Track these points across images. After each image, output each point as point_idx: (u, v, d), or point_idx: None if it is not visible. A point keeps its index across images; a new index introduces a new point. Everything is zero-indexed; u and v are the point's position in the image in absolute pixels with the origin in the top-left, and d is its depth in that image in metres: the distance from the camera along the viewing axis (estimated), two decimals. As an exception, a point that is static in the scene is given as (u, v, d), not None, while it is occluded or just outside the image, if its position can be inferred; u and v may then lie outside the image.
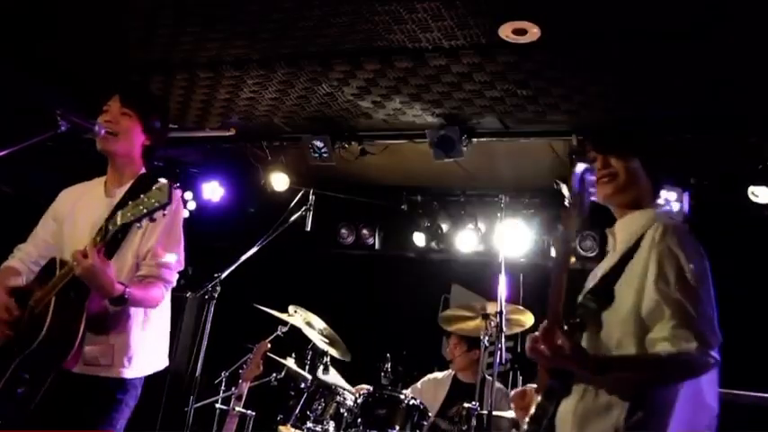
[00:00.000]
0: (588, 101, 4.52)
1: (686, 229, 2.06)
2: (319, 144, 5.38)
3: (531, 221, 6.11)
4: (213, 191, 6.56)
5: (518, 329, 4.45)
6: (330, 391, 4.40)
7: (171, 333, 2.94)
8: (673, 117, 4.58)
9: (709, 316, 1.93)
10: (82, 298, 2.53)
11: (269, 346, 4.48)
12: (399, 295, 6.54)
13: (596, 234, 5.79)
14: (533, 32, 3.81)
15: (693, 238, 2.04)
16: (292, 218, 4.44)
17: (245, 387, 4.37)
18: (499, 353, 3.96)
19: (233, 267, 4.00)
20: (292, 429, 4.30)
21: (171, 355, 2.92)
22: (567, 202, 2.02)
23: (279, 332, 4.70)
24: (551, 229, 6.06)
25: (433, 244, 6.58)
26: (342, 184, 6.33)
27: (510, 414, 4.05)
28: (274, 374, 4.79)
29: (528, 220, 6.10)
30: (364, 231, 6.77)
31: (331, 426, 4.25)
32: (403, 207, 6.59)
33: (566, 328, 1.92)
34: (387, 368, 4.47)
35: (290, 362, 4.70)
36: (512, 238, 5.79)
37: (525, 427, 1.97)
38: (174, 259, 2.76)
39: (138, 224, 2.38)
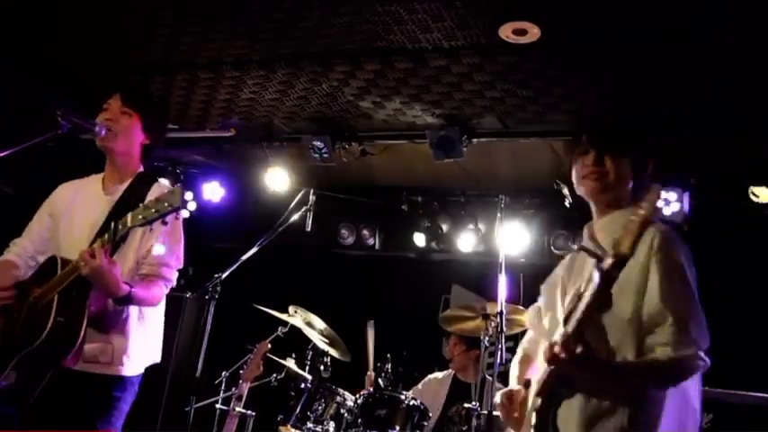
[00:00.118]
0: (588, 101, 4.51)
1: (677, 234, 2.12)
2: (319, 144, 5.38)
3: (531, 221, 6.11)
4: (213, 191, 6.56)
5: (518, 329, 4.44)
6: (330, 391, 4.40)
7: (171, 333, 2.96)
8: (673, 117, 4.58)
9: (703, 321, 2.01)
10: (83, 297, 2.53)
11: (269, 346, 4.48)
12: (399, 295, 6.54)
13: (568, 233, 5.87)
14: (533, 33, 3.81)
15: (685, 244, 2.10)
16: (292, 218, 4.44)
17: (245, 387, 4.37)
18: (499, 353, 3.96)
19: (233, 267, 4.00)
20: (292, 430, 4.30)
21: (171, 355, 2.93)
22: (567, 203, 2.03)
23: (279, 332, 4.70)
24: (551, 229, 6.07)
25: (434, 244, 6.58)
26: (342, 185, 6.33)
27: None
28: (275, 375, 4.79)
29: (528, 220, 6.10)
30: (364, 231, 6.77)
31: (331, 426, 4.26)
32: (403, 207, 6.59)
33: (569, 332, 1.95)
34: (387, 369, 4.47)
35: (291, 362, 4.70)
36: (512, 238, 5.78)
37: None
38: (174, 258, 2.77)
39: (150, 227, 2.38)
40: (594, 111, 4.60)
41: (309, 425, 4.25)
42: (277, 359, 4.69)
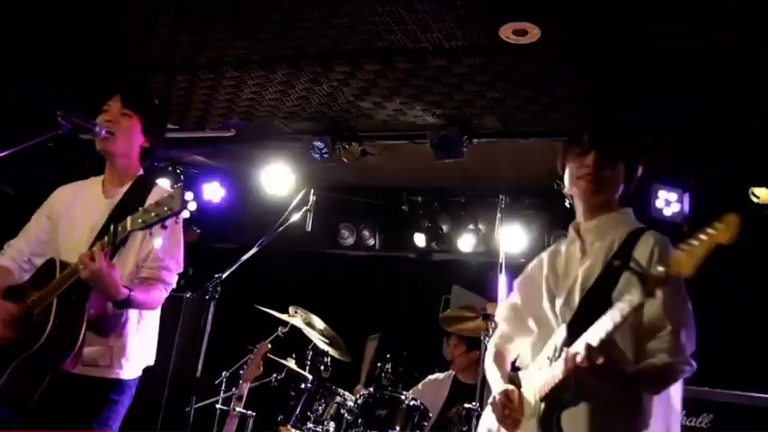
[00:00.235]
0: (588, 101, 4.51)
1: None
2: (319, 144, 5.38)
3: (531, 221, 6.11)
4: (214, 191, 6.56)
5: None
6: (330, 391, 4.40)
7: (171, 333, 2.96)
8: (673, 117, 4.58)
9: (694, 327, 2.09)
10: (83, 300, 2.53)
11: (269, 346, 4.48)
12: (400, 296, 6.54)
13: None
14: (534, 33, 3.82)
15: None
16: (292, 218, 4.43)
17: (245, 387, 4.37)
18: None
19: (233, 268, 3.99)
20: (293, 430, 4.30)
21: (171, 356, 2.93)
22: (567, 203, 2.05)
23: (279, 333, 4.70)
24: (551, 229, 6.06)
25: (434, 244, 6.57)
26: (342, 185, 6.33)
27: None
28: (275, 375, 4.79)
29: (528, 220, 6.10)
30: (365, 232, 6.76)
31: (331, 426, 4.26)
32: (403, 207, 6.59)
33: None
34: (387, 369, 4.47)
35: (291, 362, 4.70)
36: (512, 238, 5.78)
37: None
38: (174, 262, 2.76)
39: (149, 231, 2.38)
40: (594, 111, 4.60)
41: (309, 425, 4.25)
42: (277, 359, 4.69)
